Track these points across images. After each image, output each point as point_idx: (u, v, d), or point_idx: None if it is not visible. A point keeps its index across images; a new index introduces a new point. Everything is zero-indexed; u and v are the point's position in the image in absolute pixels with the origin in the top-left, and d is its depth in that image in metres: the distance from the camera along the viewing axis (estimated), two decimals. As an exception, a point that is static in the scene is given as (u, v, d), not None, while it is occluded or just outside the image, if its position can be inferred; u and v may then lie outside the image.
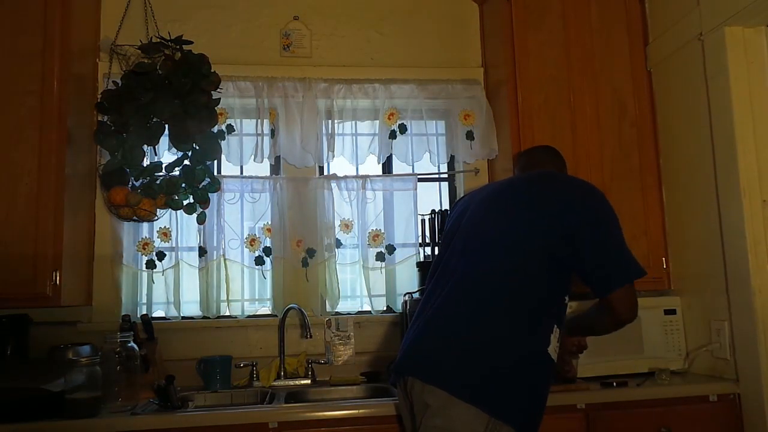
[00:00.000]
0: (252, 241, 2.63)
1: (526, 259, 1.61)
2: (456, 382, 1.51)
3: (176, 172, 2.47)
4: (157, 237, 2.56)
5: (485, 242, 1.68)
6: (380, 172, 2.85)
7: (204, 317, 2.55)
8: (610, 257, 1.62)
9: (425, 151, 2.79)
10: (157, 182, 2.44)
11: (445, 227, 1.96)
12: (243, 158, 2.66)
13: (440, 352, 1.57)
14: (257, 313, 2.68)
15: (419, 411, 1.58)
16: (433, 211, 2.70)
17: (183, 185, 2.45)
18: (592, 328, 1.79)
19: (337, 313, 2.65)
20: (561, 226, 1.62)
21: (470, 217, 1.78)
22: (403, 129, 2.75)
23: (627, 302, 1.61)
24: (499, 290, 1.59)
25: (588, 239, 1.61)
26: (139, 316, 2.46)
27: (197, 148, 2.46)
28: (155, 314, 2.54)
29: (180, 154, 2.48)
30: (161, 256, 2.55)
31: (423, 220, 2.71)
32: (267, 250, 2.64)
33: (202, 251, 2.56)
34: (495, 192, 1.81)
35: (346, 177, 2.72)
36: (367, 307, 2.69)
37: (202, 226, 2.56)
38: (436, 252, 1.93)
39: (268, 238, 2.64)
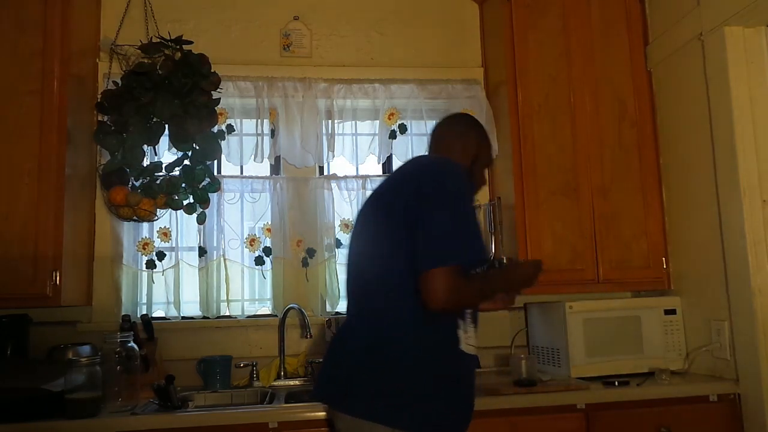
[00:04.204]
0: (252, 241, 2.63)
1: (401, 267, 1.54)
2: (355, 404, 1.54)
3: (176, 172, 2.47)
4: (157, 237, 2.56)
5: (364, 259, 1.67)
6: (380, 172, 2.85)
7: (204, 317, 2.55)
8: (444, 232, 1.50)
9: (425, 151, 2.79)
10: (157, 182, 2.44)
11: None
12: (243, 158, 2.66)
13: (338, 378, 1.61)
14: (257, 313, 2.69)
15: None
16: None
17: (183, 185, 2.46)
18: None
19: (337, 313, 2.64)
20: (411, 213, 1.53)
21: (355, 229, 1.77)
22: (403, 129, 2.76)
23: (442, 283, 1.46)
24: (383, 304, 1.57)
25: (428, 213, 1.51)
26: (139, 316, 2.46)
27: (197, 148, 2.47)
28: (155, 314, 2.54)
29: (180, 154, 2.48)
30: (161, 256, 2.55)
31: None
32: (267, 250, 2.64)
33: (202, 251, 2.56)
34: (369, 199, 1.78)
35: (346, 177, 2.72)
36: (367, 307, 2.68)
37: (202, 226, 2.56)
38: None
39: (268, 238, 2.64)
